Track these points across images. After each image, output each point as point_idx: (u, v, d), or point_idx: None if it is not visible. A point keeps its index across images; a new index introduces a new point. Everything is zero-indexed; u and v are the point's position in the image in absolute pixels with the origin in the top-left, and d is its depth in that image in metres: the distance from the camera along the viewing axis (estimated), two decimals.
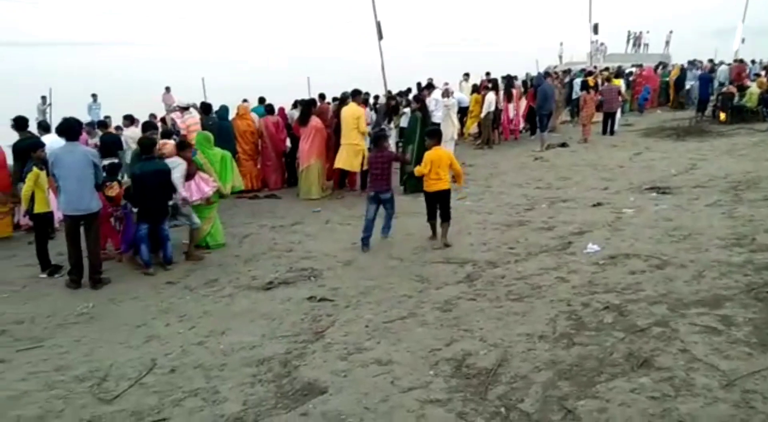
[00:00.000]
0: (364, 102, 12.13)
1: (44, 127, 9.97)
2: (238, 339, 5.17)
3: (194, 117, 11.22)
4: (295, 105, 12.89)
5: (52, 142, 7.96)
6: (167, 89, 23.20)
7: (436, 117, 11.98)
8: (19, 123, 8.63)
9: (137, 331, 5.50)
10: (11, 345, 5.34)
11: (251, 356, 4.82)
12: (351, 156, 10.42)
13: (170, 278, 6.94)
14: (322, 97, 13.91)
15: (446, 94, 12.97)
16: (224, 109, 11.84)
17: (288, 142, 11.94)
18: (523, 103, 16.58)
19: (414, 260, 7.03)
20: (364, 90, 12.40)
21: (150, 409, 4.10)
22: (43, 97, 19.17)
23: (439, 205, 7.51)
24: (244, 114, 11.76)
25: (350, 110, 10.48)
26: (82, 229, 6.74)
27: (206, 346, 5.07)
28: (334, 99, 12.82)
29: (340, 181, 11.42)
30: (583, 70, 22.62)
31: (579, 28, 31.29)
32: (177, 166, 7.28)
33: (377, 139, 8.01)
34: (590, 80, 17.72)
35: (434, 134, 7.74)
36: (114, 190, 7.31)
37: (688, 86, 21.01)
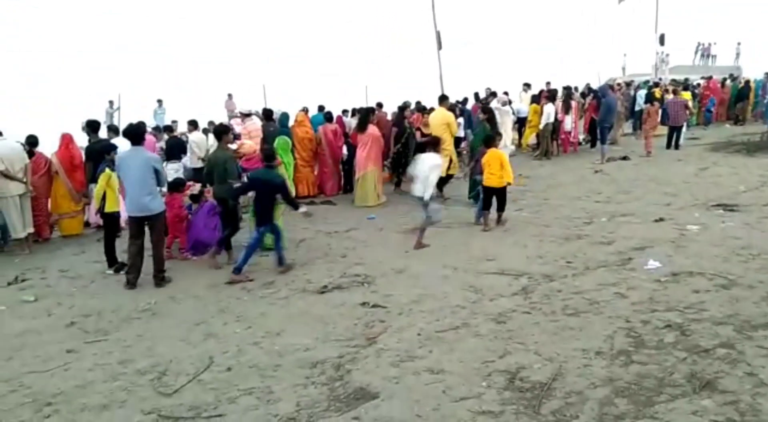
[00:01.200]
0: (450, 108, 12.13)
1: (114, 130, 10.45)
2: (292, 340, 5.26)
3: (255, 123, 11.52)
4: (353, 113, 13.07)
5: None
6: (229, 96, 23.91)
7: None
8: (92, 126, 9.10)
9: (196, 329, 5.67)
10: (80, 337, 5.61)
11: (305, 358, 4.90)
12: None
13: (228, 278, 7.12)
14: (380, 105, 14.07)
15: (503, 102, 12.90)
16: (285, 117, 12.14)
17: (345, 150, 12.10)
18: (584, 114, 16.26)
19: (468, 270, 6.99)
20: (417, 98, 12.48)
21: (207, 405, 4.22)
22: (111, 102, 20.01)
23: (496, 197, 8.74)
24: (302, 121, 11.99)
25: (439, 115, 10.56)
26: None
27: (262, 346, 5.18)
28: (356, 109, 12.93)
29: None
30: (647, 81, 22.02)
31: (644, 39, 30.46)
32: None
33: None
34: (656, 92, 17.21)
35: (487, 140, 8.97)
36: (196, 189, 7.63)
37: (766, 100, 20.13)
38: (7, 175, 8.17)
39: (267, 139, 10.41)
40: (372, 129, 10.95)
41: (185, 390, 4.45)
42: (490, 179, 8.65)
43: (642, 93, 18.05)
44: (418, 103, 13.72)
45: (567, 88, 16.68)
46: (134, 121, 11.46)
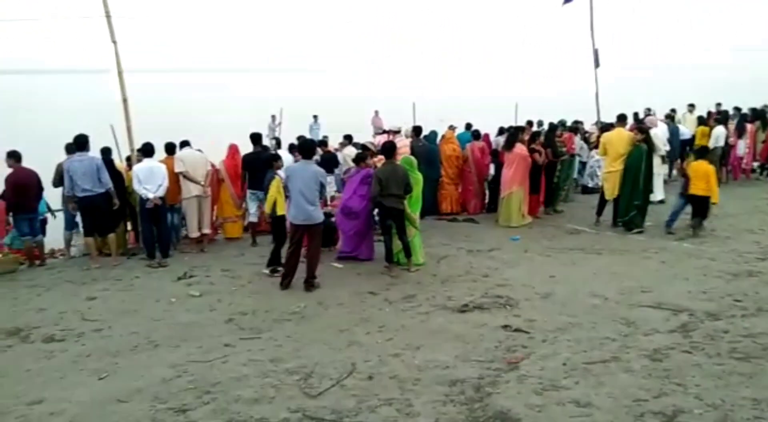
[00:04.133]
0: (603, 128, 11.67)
1: (278, 142, 11.23)
2: (432, 356, 5.27)
3: (403, 140, 11.77)
4: (500, 131, 12.90)
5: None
6: (376, 113, 24.71)
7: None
8: (256, 138, 9.86)
9: (341, 335, 5.87)
10: (236, 333, 6.05)
11: (444, 375, 4.88)
12: (615, 184, 10.06)
13: (372, 289, 7.32)
14: (530, 123, 13.77)
15: (651, 123, 12.05)
16: (433, 134, 12.30)
17: (492, 169, 11.96)
18: (761, 138, 14.70)
19: (620, 301, 6.57)
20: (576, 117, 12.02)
21: (348, 411, 4.34)
22: (273, 116, 21.49)
23: (698, 205, 9.32)
24: (450, 138, 12.06)
25: (619, 135, 10.20)
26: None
27: (402, 359, 5.24)
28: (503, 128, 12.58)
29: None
30: None
31: None
32: None
33: None
34: None
35: (701, 151, 10.11)
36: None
37: None
38: (186, 177, 9.09)
39: (415, 155, 10.58)
40: (519, 148, 10.74)
41: (329, 394, 4.61)
42: (693, 188, 9.22)
43: None
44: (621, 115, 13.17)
45: (739, 109, 15.20)
46: (294, 135, 12.28)
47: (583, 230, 10.23)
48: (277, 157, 8.38)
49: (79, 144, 8.42)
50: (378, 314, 6.49)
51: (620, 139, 10.07)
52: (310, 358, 5.31)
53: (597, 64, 13.56)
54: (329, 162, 11.88)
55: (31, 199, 8.66)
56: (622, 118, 10.88)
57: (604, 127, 12.30)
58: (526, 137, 11.32)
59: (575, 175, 13.45)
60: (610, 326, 5.84)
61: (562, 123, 13.88)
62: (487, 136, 12.67)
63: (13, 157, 8.58)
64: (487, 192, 12.12)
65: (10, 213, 8.87)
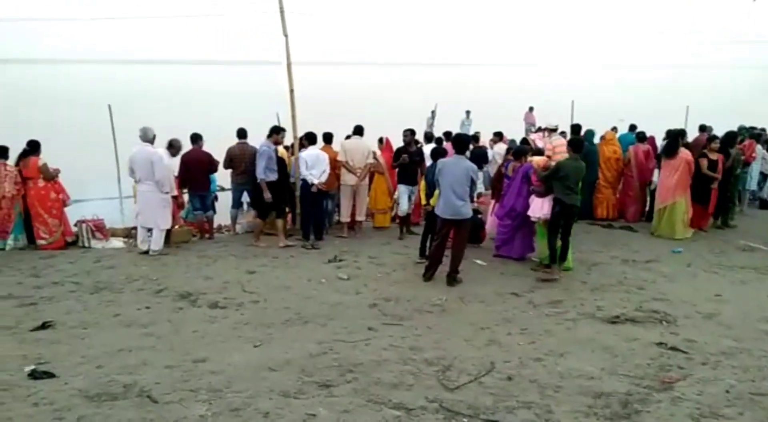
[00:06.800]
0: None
1: (428, 138, 11.37)
2: (576, 365, 5.05)
3: (561, 139, 11.32)
4: (668, 135, 11.96)
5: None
6: (530, 109, 24.02)
7: None
8: (413, 132, 10.07)
9: (481, 333, 5.82)
10: (379, 318, 6.23)
11: (588, 386, 4.65)
12: None
13: (516, 290, 7.17)
14: (702, 129, 12.64)
15: None
16: (591, 133, 11.71)
17: (656, 175, 11.15)
18: None
19: None
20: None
21: (485, 408, 4.28)
22: (432, 111, 21.93)
23: None
24: (611, 140, 11.43)
25: None
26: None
27: (544, 364, 5.07)
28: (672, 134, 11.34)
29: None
30: None
31: None
32: None
33: None
34: None
35: None
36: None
37: None
38: (345, 167, 9.53)
39: None
40: (684, 153, 9.87)
41: (466, 389, 4.59)
42: None
43: None
44: (752, 128, 11.97)
45: None
46: (448, 130, 12.35)
47: (758, 248, 9.24)
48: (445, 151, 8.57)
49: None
50: (521, 316, 6.34)
51: None
52: (449, 351, 5.32)
53: None
54: (480, 157, 11.78)
55: (200, 178, 9.48)
56: None
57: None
58: (703, 140, 10.39)
59: (755, 187, 12.14)
60: None
61: (745, 129, 12.56)
62: (652, 139, 11.83)
63: (192, 138, 9.51)
64: (648, 199, 11.32)
65: (185, 190, 9.84)
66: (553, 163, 7.99)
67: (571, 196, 7.54)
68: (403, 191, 9.78)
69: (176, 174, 9.22)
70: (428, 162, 8.92)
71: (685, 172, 9.88)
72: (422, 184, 8.07)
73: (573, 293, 7.09)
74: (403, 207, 9.86)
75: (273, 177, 8.94)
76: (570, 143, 8.00)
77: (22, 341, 5.54)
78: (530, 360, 5.15)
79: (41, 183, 8.95)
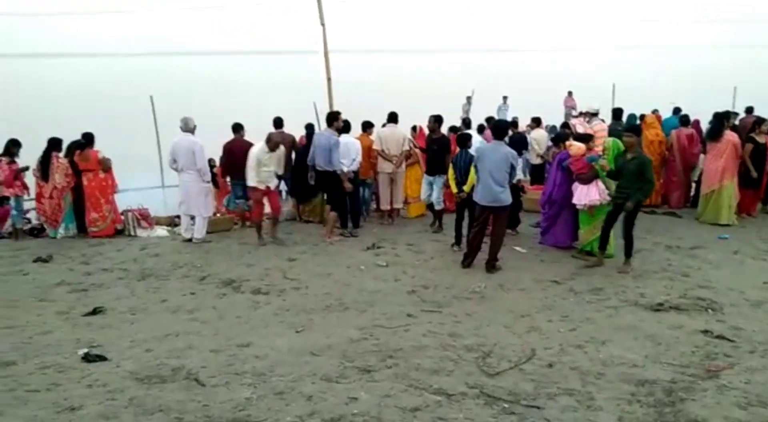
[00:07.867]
0: None
1: (466, 124, 11.28)
2: (618, 353, 4.99)
3: (601, 123, 11.09)
4: (715, 117, 11.61)
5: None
6: (569, 93, 23.58)
7: None
8: (439, 119, 9.97)
9: (521, 320, 5.80)
10: (418, 305, 6.26)
11: (631, 374, 4.60)
12: None
13: (555, 277, 7.11)
14: (749, 110, 12.22)
15: None
16: (632, 117, 11.45)
17: (701, 159, 10.83)
18: None
19: None
20: None
21: (526, 395, 4.29)
22: (468, 97, 21.79)
23: None
24: (652, 123, 11.14)
25: None
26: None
27: (585, 351, 5.04)
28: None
29: None
30: None
31: None
32: None
33: None
34: None
35: None
36: None
37: None
38: (380, 154, 9.55)
39: None
40: (730, 135, 9.56)
41: (506, 375, 4.60)
42: None
43: None
44: None
45: None
46: (484, 115, 12.23)
47: None
48: (469, 137, 8.40)
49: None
50: (561, 303, 6.29)
51: None
52: (489, 338, 5.32)
53: None
54: (519, 143, 11.62)
55: (241, 166, 9.61)
56: None
57: None
58: (750, 123, 10.04)
59: None
60: None
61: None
62: (697, 122, 11.50)
63: (234, 128, 9.66)
64: (693, 184, 11.02)
65: (227, 178, 10.01)
66: (595, 153, 7.82)
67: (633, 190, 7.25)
68: (424, 181, 9.41)
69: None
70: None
71: (732, 155, 9.60)
72: (450, 172, 7.96)
73: (614, 280, 7.00)
74: (432, 199, 9.35)
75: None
76: (629, 129, 7.77)
77: (75, 325, 5.78)
78: (571, 348, 5.11)
79: (101, 174, 9.28)
